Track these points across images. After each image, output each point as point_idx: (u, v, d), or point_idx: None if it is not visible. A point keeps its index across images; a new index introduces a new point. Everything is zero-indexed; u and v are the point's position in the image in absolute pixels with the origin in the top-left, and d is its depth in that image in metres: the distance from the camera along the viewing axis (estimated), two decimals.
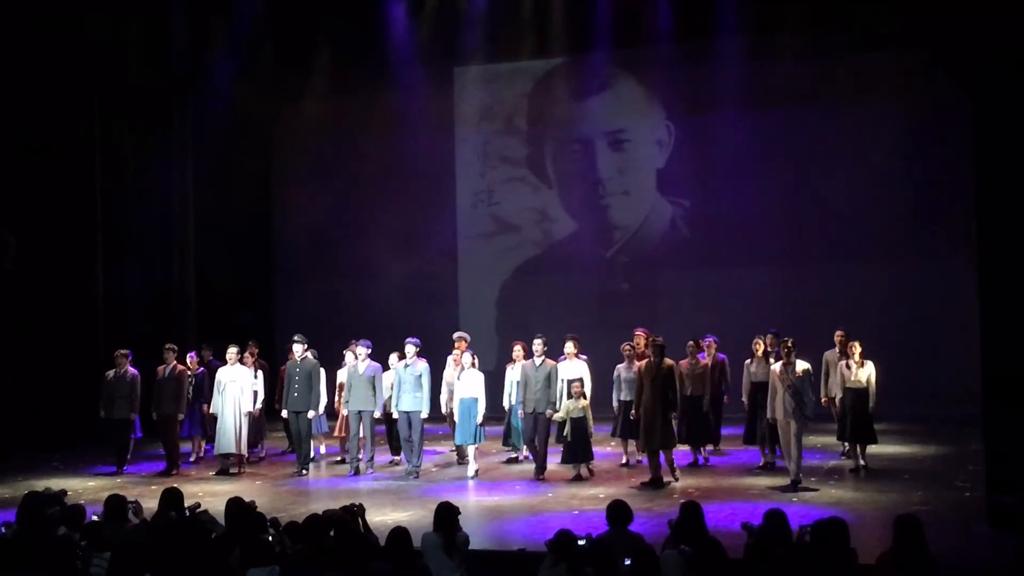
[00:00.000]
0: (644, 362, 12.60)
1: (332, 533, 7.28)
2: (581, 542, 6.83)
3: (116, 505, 7.96)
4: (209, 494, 11.80)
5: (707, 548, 6.66)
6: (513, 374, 13.66)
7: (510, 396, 13.73)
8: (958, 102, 15.10)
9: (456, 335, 14.24)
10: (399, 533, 7.01)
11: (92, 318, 17.18)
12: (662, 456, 12.42)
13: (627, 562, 6.50)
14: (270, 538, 7.31)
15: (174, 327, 17.59)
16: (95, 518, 7.97)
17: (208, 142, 18.54)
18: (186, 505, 8.10)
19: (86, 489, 12.84)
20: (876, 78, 17.81)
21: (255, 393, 14.24)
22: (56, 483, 11.93)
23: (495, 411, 14.30)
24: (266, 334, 16.96)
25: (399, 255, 19.91)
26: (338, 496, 11.69)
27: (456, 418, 13.53)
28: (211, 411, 14.09)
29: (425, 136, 20.07)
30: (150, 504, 8.68)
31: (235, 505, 7.76)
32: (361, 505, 7.79)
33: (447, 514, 7.41)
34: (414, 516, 10.58)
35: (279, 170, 20.98)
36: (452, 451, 14.55)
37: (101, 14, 16.77)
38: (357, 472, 13.58)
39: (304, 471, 13.77)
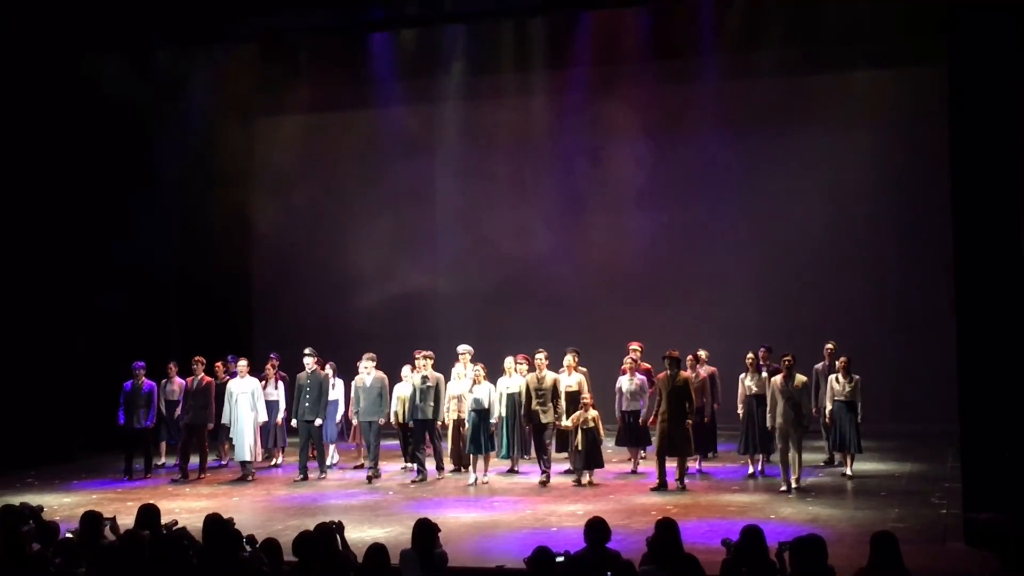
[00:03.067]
0: (662, 374, 13.38)
1: (310, 551, 7.24)
2: (559, 559, 6.83)
3: (92, 521, 7.89)
4: (187, 511, 11.73)
5: (683, 564, 6.68)
6: (503, 385, 14.21)
7: (502, 407, 14.17)
8: (934, 115, 15.18)
9: (461, 348, 14.75)
10: (377, 550, 6.99)
11: (71, 335, 17.07)
12: (672, 468, 13.17)
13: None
14: (247, 555, 7.27)
15: (155, 343, 17.45)
16: (69, 535, 7.91)
17: (187, 159, 18.52)
18: (163, 522, 8.04)
19: (62, 505, 12.75)
20: (853, 95, 17.94)
21: (276, 404, 15.20)
22: (31, 499, 11.82)
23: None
24: (246, 350, 17.03)
25: (379, 271, 19.84)
26: (317, 512, 11.67)
27: (467, 428, 14.19)
28: (223, 422, 14.80)
29: (405, 153, 20.08)
30: (127, 521, 8.61)
31: (213, 522, 7.71)
32: (340, 522, 7.75)
33: (425, 531, 7.38)
34: (392, 533, 10.56)
35: (258, 185, 20.90)
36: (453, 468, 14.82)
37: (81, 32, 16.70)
38: (375, 477, 14.24)
39: (323, 475, 14.52)
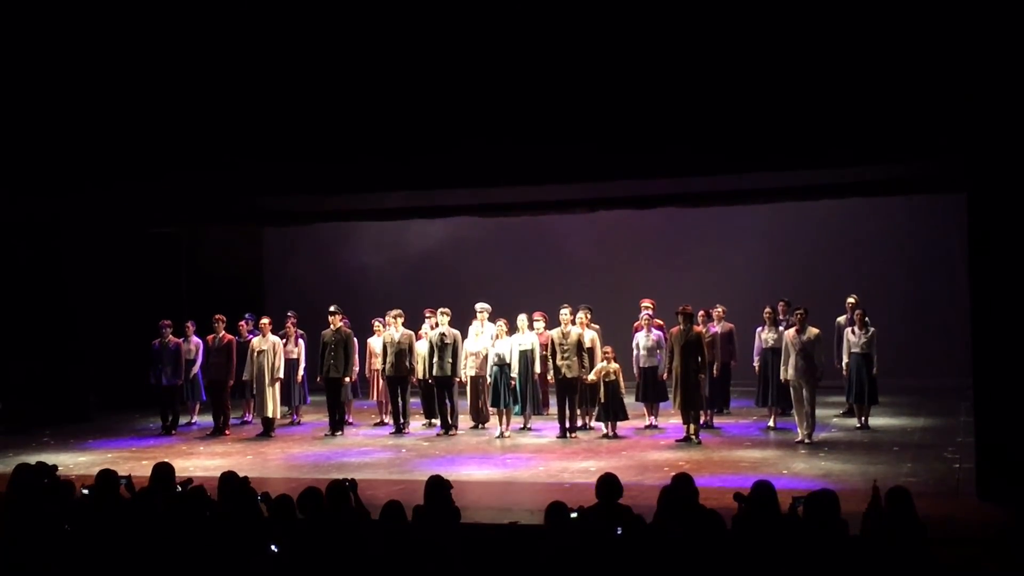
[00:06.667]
0: (675, 329, 13.56)
1: (324, 508, 7.26)
2: (573, 515, 6.85)
3: (107, 480, 7.93)
4: (202, 469, 11.82)
5: (703, 518, 6.68)
6: (516, 342, 14.26)
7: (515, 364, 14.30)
8: None
9: (479, 306, 14.86)
10: (393, 507, 7.00)
11: (85, 296, 17.09)
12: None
13: (619, 531, 6.55)
14: (263, 512, 7.31)
15: (167, 304, 17.47)
16: (84, 492, 7.96)
17: None
18: (178, 480, 8.08)
19: (77, 464, 12.84)
20: None
21: (295, 361, 15.28)
22: (47, 459, 11.89)
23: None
24: (256, 309, 17.09)
25: (388, 232, 19.83)
26: (330, 470, 11.73)
27: (489, 382, 14.33)
28: (244, 378, 15.07)
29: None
30: (142, 479, 8.65)
31: (228, 480, 7.75)
32: (353, 480, 7.77)
33: (438, 488, 7.41)
34: (405, 490, 10.60)
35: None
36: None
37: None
38: (399, 431, 14.60)
39: (339, 432, 14.68)
